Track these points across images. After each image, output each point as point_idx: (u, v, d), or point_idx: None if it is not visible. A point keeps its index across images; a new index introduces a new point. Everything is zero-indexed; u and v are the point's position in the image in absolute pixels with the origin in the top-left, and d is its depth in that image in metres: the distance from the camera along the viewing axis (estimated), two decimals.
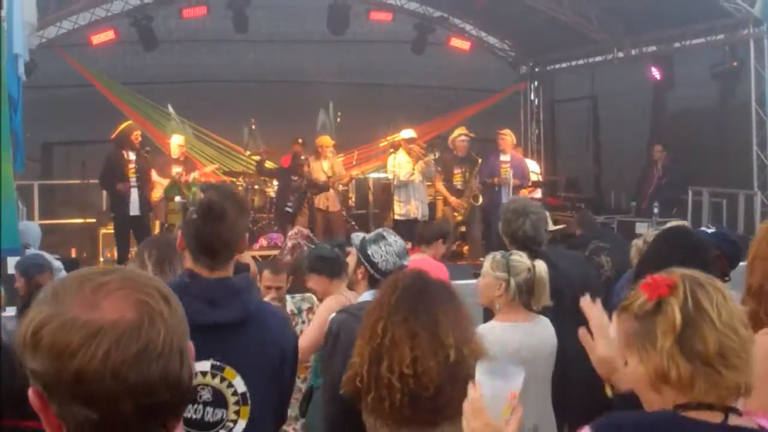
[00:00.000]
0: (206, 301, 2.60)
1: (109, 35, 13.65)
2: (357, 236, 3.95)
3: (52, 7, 12.53)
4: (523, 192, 12.27)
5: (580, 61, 15.40)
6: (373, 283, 3.63)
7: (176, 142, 11.81)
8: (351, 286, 4.15)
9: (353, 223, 13.18)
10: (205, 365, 2.63)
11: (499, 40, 16.71)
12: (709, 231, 4.65)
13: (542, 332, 3.86)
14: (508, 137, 11.98)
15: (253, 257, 11.38)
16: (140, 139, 10.91)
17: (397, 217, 11.35)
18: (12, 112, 7.48)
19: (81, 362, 1.16)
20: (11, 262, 6.67)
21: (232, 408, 2.67)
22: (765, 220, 3.90)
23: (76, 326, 1.17)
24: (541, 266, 3.89)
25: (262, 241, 12.38)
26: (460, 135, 11.74)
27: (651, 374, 1.81)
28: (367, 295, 3.57)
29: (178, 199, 10.69)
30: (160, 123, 13.80)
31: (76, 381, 1.16)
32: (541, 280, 3.83)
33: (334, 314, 3.53)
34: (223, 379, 2.66)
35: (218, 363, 2.64)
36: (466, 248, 12.29)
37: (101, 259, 12.07)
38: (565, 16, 13.63)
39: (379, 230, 3.91)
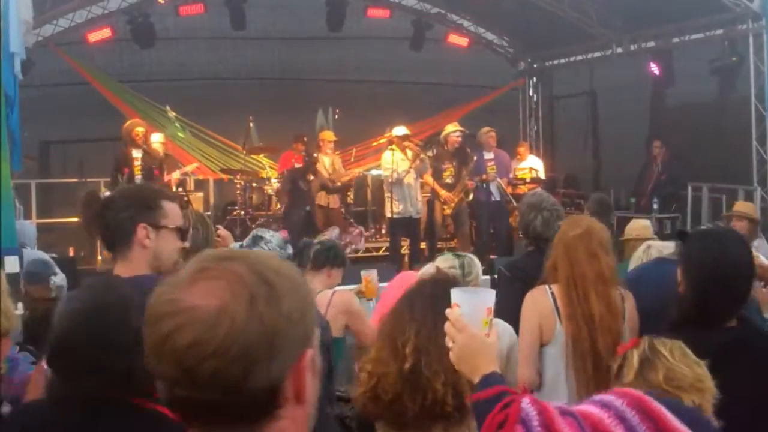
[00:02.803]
0: None
1: (105, 33, 13.59)
2: (234, 246, 4.06)
3: (49, 5, 12.48)
4: (522, 189, 12.27)
5: (579, 57, 15.35)
6: None
7: (157, 140, 11.73)
8: None
9: (352, 220, 13.15)
10: None
11: (497, 36, 16.66)
12: None
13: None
14: (493, 134, 12.08)
15: None
16: (141, 135, 10.83)
17: (393, 215, 11.30)
18: (8, 111, 7.44)
19: (151, 334, 1.22)
20: (9, 262, 6.62)
21: None
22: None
23: (164, 300, 1.23)
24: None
25: None
26: (455, 131, 11.71)
27: None
28: None
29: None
30: (157, 121, 13.73)
31: (149, 349, 1.23)
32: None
33: None
34: None
35: None
36: (455, 242, 12.27)
37: (99, 258, 12.02)
38: (564, 11, 13.59)
39: (253, 232, 3.94)
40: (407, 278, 5.96)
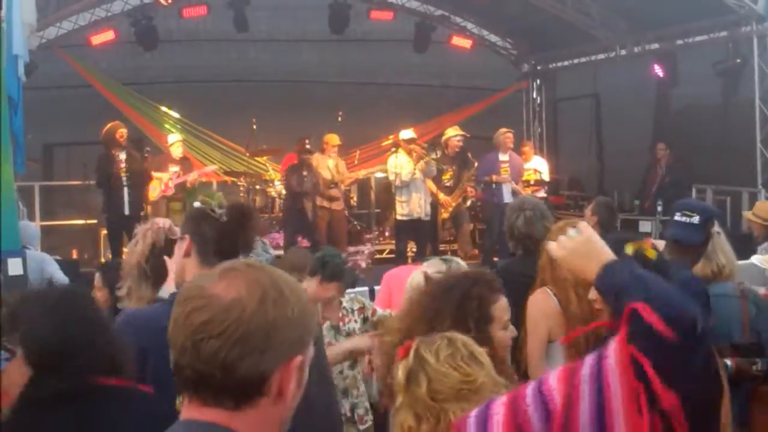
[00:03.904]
0: None
1: (108, 35, 13.60)
2: None
3: (52, 8, 12.47)
4: (526, 190, 12.24)
5: (583, 59, 15.32)
6: None
7: (175, 140, 11.72)
8: None
9: (356, 222, 13.14)
10: None
11: (500, 38, 16.65)
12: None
13: None
14: (511, 136, 12.00)
15: None
16: (125, 137, 10.77)
17: (399, 217, 11.29)
18: (12, 114, 7.42)
19: (177, 311, 1.47)
20: (13, 264, 6.61)
21: None
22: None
23: (194, 286, 1.49)
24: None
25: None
26: (456, 135, 11.69)
27: None
28: None
29: (197, 204, 10.34)
30: (161, 123, 13.76)
31: (172, 322, 1.48)
32: None
33: None
34: None
35: None
36: (456, 246, 12.28)
37: (102, 260, 12.01)
38: (567, 13, 13.57)
39: None
40: (392, 278, 6.13)
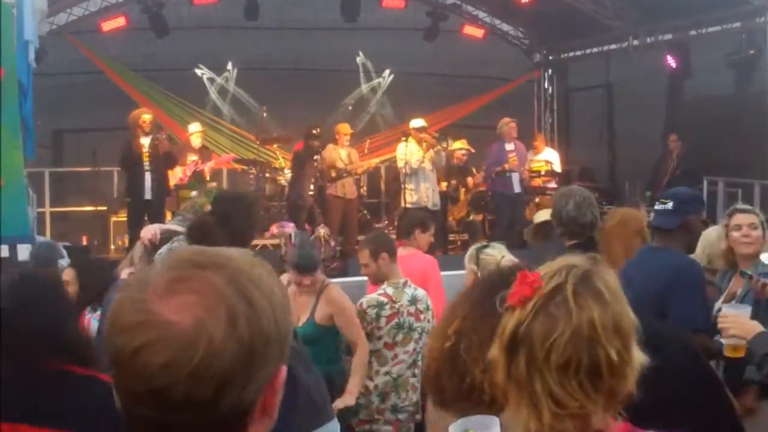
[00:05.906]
0: None
1: (119, 22, 13.60)
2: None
3: None
4: (537, 181, 12.23)
5: (595, 49, 15.25)
6: None
7: (196, 130, 11.74)
8: None
9: (365, 212, 13.12)
10: None
11: (512, 27, 16.57)
12: None
13: None
14: (514, 125, 12.07)
15: (264, 246, 11.36)
16: (148, 122, 10.80)
17: (407, 205, 11.28)
18: (22, 99, 7.43)
19: (118, 344, 1.10)
20: (22, 250, 6.63)
21: None
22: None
23: (135, 309, 1.11)
24: (507, 262, 3.99)
25: (274, 229, 12.31)
26: (461, 149, 11.75)
27: None
28: None
29: (194, 194, 10.42)
30: (171, 110, 13.76)
31: (112, 359, 1.12)
32: None
33: None
34: None
35: None
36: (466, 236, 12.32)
37: (112, 247, 12.07)
38: (580, 3, 13.49)
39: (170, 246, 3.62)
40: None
